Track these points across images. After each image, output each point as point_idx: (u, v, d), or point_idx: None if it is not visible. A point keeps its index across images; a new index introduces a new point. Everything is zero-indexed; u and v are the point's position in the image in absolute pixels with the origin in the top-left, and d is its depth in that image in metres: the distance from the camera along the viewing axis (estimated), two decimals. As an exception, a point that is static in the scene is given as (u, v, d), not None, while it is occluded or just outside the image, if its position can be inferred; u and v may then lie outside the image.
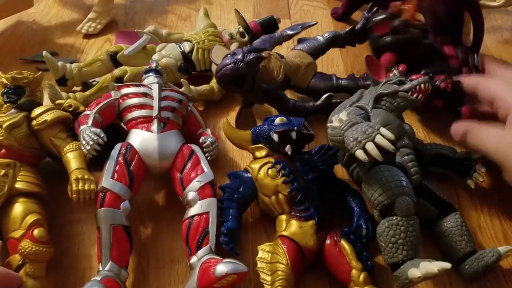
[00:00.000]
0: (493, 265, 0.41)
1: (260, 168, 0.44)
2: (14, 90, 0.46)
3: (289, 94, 0.57)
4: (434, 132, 0.56)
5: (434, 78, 0.51)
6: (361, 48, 0.62)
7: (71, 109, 0.48)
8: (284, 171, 0.43)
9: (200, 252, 0.39)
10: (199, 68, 0.59)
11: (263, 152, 0.46)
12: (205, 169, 0.44)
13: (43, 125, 0.45)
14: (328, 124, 0.43)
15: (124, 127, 0.49)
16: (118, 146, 0.44)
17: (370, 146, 0.37)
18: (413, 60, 0.56)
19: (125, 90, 0.49)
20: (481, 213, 0.49)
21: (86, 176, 0.42)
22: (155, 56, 0.58)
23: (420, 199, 0.43)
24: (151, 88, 0.49)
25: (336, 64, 0.67)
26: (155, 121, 0.47)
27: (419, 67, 0.55)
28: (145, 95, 0.48)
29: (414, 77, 0.51)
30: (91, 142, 0.42)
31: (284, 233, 0.41)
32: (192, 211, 0.42)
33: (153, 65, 0.53)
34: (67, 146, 0.45)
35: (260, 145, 0.46)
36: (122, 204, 0.41)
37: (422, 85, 0.44)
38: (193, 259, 0.39)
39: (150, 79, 0.51)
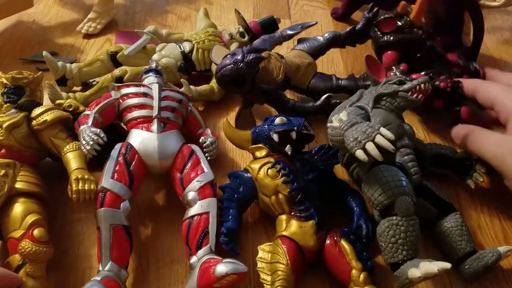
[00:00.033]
0: (493, 265, 0.41)
1: (260, 168, 0.44)
2: (14, 90, 0.46)
3: (289, 94, 0.58)
4: (434, 132, 0.56)
5: (434, 78, 0.51)
6: (361, 48, 0.62)
7: (71, 109, 0.48)
8: (284, 171, 0.43)
9: (200, 252, 0.39)
10: (199, 68, 0.59)
11: (263, 152, 0.46)
12: (205, 169, 0.44)
13: (43, 125, 0.45)
14: (328, 124, 0.43)
15: (124, 127, 0.49)
16: (118, 146, 0.44)
17: (370, 146, 0.37)
18: (415, 61, 0.56)
19: (125, 90, 0.49)
20: (481, 213, 0.49)
21: (86, 176, 0.42)
22: (155, 56, 0.58)
23: (420, 199, 0.43)
24: (151, 88, 0.49)
25: (336, 64, 0.67)
26: (155, 121, 0.47)
27: (420, 68, 0.55)
28: (145, 95, 0.48)
29: (414, 76, 0.52)
30: (91, 142, 0.42)
31: (284, 233, 0.41)
32: (192, 211, 0.42)
33: (153, 65, 0.53)
34: (67, 146, 0.45)
35: (260, 145, 0.46)
36: (122, 204, 0.41)
37: (422, 85, 0.44)
38: (193, 259, 0.39)
39: (150, 79, 0.51)
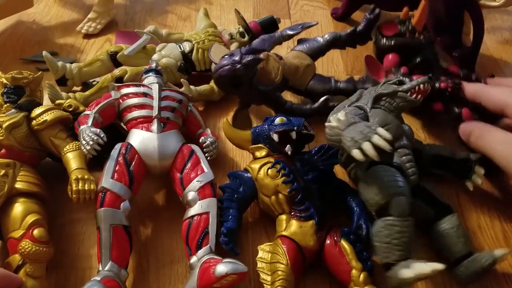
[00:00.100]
0: (489, 268, 0.41)
1: (260, 168, 0.44)
2: (14, 90, 0.46)
3: (289, 95, 0.58)
4: (434, 133, 0.56)
5: (433, 79, 0.51)
6: (361, 48, 0.62)
7: (71, 109, 0.48)
8: (284, 171, 0.43)
9: (200, 252, 0.39)
10: (199, 68, 0.59)
11: (263, 152, 0.46)
12: (205, 169, 0.44)
13: (43, 125, 0.45)
14: (326, 124, 0.43)
15: (124, 127, 0.49)
16: (118, 146, 0.44)
17: (367, 146, 0.37)
18: (414, 66, 0.56)
19: (125, 90, 0.49)
20: (481, 213, 0.49)
21: (86, 176, 0.42)
22: (155, 56, 0.58)
23: (417, 200, 0.43)
24: (151, 88, 0.49)
25: (336, 64, 0.67)
26: (155, 121, 0.47)
27: (420, 73, 0.55)
28: (145, 95, 0.48)
29: (414, 77, 0.52)
30: (91, 142, 0.42)
31: (284, 233, 0.41)
32: (192, 211, 0.42)
33: (153, 65, 0.53)
34: (67, 146, 0.45)
35: (260, 145, 0.46)
36: (122, 204, 0.41)
37: (422, 86, 0.44)
38: (193, 259, 0.39)
39: (150, 79, 0.51)
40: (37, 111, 0.45)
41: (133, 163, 0.44)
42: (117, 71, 0.56)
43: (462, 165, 0.48)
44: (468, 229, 0.47)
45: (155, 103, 0.48)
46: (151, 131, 0.46)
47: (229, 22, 0.74)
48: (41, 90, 0.49)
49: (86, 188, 0.41)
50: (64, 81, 0.57)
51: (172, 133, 0.47)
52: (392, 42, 0.57)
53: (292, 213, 0.43)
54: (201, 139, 0.49)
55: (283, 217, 0.43)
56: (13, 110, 0.45)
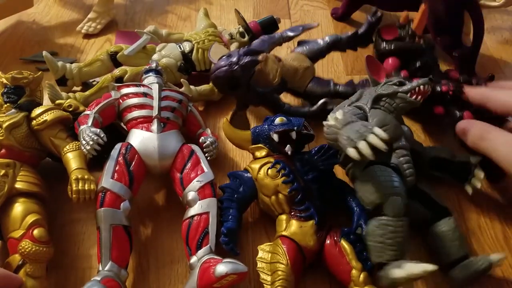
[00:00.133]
0: (484, 272, 0.41)
1: (260, 168, 0.44)
2: (14, 90, 0.46)
3: (288, 97, 0.57)
4: (434, 137, 0.56)
5: (433, 81, 0.51)
6: (362, 49, 0.62)
7: (71, 109, 0.48)
8: (284, 171, 0.43)
9: (200, 252, 0.39)
10: (199, 68, 0.59)
11: (263, 152, 0.46)
12: (205, 169, 0.44)
13: (43, 125, 0.45)
14: (324, 123, 0.43)
15: (124, 127, 0.49)
16: (118, 146, 0.44)
17: (362, 145, 0.37)
18: (414, 71, 0.56)
19: (125, 90, 0.49)
20: (481, 213, 0.49)
21: (86, 176, 0.42)
22: (155, 56, 0.58)
23: (415, 201, 0.43)
24: (151, 88, 0.49)
25: (336, 64, 0.67)
26: (155, 121, 0.47)
27: (420, 76, 0.55)
28: (145, 95, 0.48)
29: (415, 80, 0.51)
30: (91, 142, 0.42)
31: (284, 233, 0.41)
32: (192, 211, 0.42)
33: (153, 65, 0.53)
34: (67, 146, 0.45)
35: (260, 145, 0.46)
36: (122, 204, 0.41)
37: (422, 87, 0.44)
38: (193, 259, 0.39)
39: (150, 79, 0.51)
40: (37, 111, 0.45)
41: (133, 163, 0.44)
42: (117, 71, 0.56)
43: (462, 168, 0.48)
44: (468, 229, 0.47)
45: (155, 103, 0.48)
46: (151, 131, 0.46)
47: (229, 22, 0.74)
48: (41, 90, 0.49)
49: (86, 188, 0.41)
50: (64, 81, 0.57)
51: (172, 133, 0.47)
52: (392, 46, 0.57)
53: (292, 213, 0.43)
54: (201, 139, 0.49)
55: (283, 217, 0.43)
56: (13, 110, 0.45)
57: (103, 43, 0.69)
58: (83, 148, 0.43)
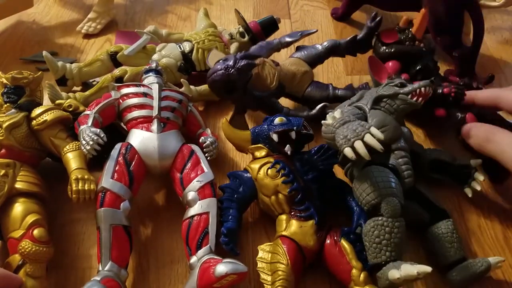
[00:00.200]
0: (481, 275, 0.41)
1: (259, 168, 0.44)
2: (14, 90, 0.46)
3: (287, 102, 0.57)
4: (435, 139, 0.56)
5: (435, 83, 0.51)
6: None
7: (71, 109, 0.48)
8: (283, 171, 0.43)
9: (200, 252, 0.39)
10: (199, 68, 0.59)
11: (263, 152, 0.46)
12: (205, 169, 0.44)
13: (43, 125, 0.45)
14: (322, 122, 0.43)
15: (124, 127, 0.49)
16: (118, 146, 0.44)
17: (358, 145, 0.37)
18: (414, 74, 0.56)
19: (125, 90, 0.49)
20: (481, 214, 0.49)
21: (86, 176, 0.42)
22: (155, 56, 0.58)
23: (413, 203, 0.43)
24: (151, 88, 0.49)
25: (336, 64, 0.67)
26: (155, 121, 0.47)
27: (420, 79, 0.55)
28: (145, 95, 0.48)
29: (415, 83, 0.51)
30: (91, 142, 0.42)
31: (284, 233, 0.41)
32: (192, 211, 0.42)
33: (153, 65, 0.53)
34: (67, 146, 0.45)
35: (259, 145, 0.46)
36: (122, 204, 0.41)
37: (423, 89, 0.44)
38: (193, 259, 0.39)
39: (150, 79, 0.51)
40: (37, 111, 0.45)
41: (133, 163, 0.44)
42: (117, 71, 0.56)
43: (462, 171, 0.48)
44: (468, 230, 0.47)
45: (155, 103, 0.48)
46: (151, 131, 0.46)
47: (229, 22, 0.74)
48: (41, 90, 0.49)
49: (86, 188, 0.41)
50: (64, 81, 0.57)
51: (172, 133, 0.47)
52: (392, 50, 0.57)
53: (292, 213, 0.43)
54: (201, 139, 0.49)
55: (283, 217, 0.43)
56: (13, 110, 0.45)
57: (103, 43, 0.69)
58: (83, 148, 0.43)
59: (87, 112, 0.46)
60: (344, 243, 0.41)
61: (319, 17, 0.76)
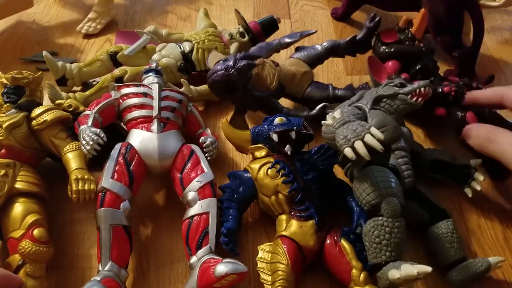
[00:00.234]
0: (481, 275, 0.41)
1: (259, 168, 0.44)
2: (14, 90, 0.46)
3: (287, 103, 0.57)
4: (435, 139, 0.56)
5: (434, 83, 0.51)
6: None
7: (71, 109, 0.48)
8: (283, 171, 0.43)
9: (200, 252, 0.39)
10: (199, 68, 0.59)
11: (263, 152, 0.46)
12: (205, 169, 0.44)
13: (43, 125, 0.45)
14: (322, 122, 0.43)
15: (124, 127, 0.49)
16: (118, 146, 0.44)
17: (358, 145, 0.37)
18: (414, 73, 0.56)
19: (125, 90, 0.49)
20: (481, 214, 0.49)
21: (86, 176, 0.42)
22: (155, 56, 0.58)
23: (413, 203, 0.43)
24: (151, 88, 0.49)
25: (336, 64, 0.67)
26: (155, 121, 0.47)
27: (420, 79, 0.55)
28: (145, 95, 0.48)
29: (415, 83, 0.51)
30: (91, 142, 0.42)
31: (284, 233, 0.41)
32: (192, 211, 0.42)
33: (153, 65, 0.53)
34: (67, 146, 0.45)
35: (259, 145, 0.46)
36: (122, 204, 0.41)
37: (423, 89, 0.44)
38: (193, 259, 0.39)
39: (150, 79, 0.51)
40: (37, 111, 0.45)
41: (133, 163, 0.44)
42: (117, 71, 0.56)
43: (462, 171, 0.48)
44: (468, 230, 0.47)
45: (155, 103, 0.48)
46: (151, 131, 0.46)
47: (229, 22, 0.74)
48: (41, 90, 0.49)
49: (86, 188, 0.41)
50: (64, 81, 0.57)
51: (172, 133, 0.47)
52: (392, 49, 0.57)
53: (292, 213, 0.43)
54: (201, 139, 0.49)
55: (283, 217, 0.43)
56: (13, 110, 0.45)
57: (103, 43, 0.69)
58: (83, 148, 0.43)
59: (87, 112, 0.46)
60: (344, 243, 0.41)
61: (319, 17, 0.76)
